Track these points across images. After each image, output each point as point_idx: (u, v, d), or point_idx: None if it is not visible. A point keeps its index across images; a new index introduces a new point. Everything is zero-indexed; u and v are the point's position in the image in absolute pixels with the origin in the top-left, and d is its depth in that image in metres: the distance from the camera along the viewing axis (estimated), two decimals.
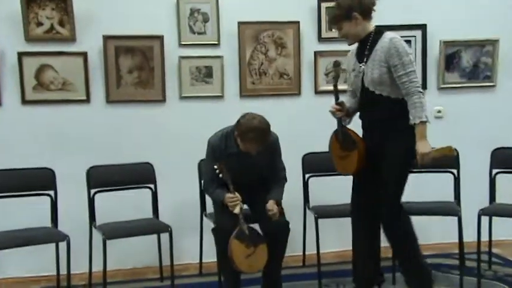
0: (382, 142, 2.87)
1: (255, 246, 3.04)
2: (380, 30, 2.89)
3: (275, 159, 3.28)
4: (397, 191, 2.90)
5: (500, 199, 3.55)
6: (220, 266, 3.20)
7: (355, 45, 2.99)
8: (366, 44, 2.88)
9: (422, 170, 3.61)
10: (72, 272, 3.14)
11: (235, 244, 3.00)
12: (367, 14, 2.86)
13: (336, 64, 3.00)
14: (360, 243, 3.09)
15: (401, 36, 4.03)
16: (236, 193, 3.07)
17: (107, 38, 3.75)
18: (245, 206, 3.22)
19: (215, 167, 3.09)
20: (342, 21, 2.87)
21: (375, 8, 2.89)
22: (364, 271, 3.12)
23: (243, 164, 3.12)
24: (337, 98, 2.97)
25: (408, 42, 4.07)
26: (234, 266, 2.99)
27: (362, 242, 3.08)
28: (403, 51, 2.76)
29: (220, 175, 3.08)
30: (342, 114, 2.98)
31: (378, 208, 2.91)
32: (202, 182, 3.50)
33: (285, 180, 3.31)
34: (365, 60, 2.87)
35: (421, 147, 2.76)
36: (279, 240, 3.12)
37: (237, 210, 3.04)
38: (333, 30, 3.12)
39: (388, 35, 2.84)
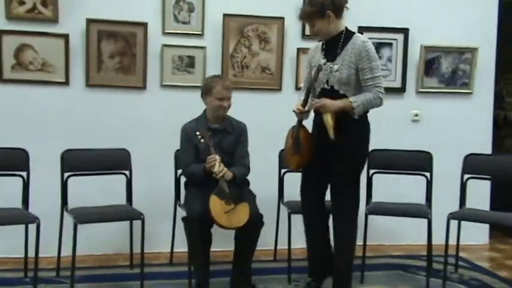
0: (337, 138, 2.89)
1: (235, 204, 3.06)
2: (350, 30, 2.96)
3: (242, 144, 3.35)
4: (356, 181, 3.00)
5: (470, 204, 3.62)
6: (190, 255, 3.20)
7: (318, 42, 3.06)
8: (337, 43, 2.92)
9: (395, 171, 3.71)
10: (40, 256, 3.10)
11: (214, 200, 3.04)
12: (339, 12, 2.91)
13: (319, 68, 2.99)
14: (316, 239, 3.16)
15: (383, 39, 4.18)
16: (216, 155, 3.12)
17: (90, 22, 3.72)
18: None
19: (197, 133, 3.15)
20: (315, 18, 2.90)
21: (347, 6, 2.93)
22: (321, 265, 3.18)
23: (213, 139, 3.19)
24: (306, 99, 2.99)
25: (390, 45, 4.15)
26: (213, 220, 3.00)
27: (318, 238, 3.16)
28: (373, 56, 2.85)
29: (202, 140, 3.13)
30: (304, 115, 3.01)
31: (334, 201, 3.01)
32: (178, 171, 3.52)
33: (248, 169, 3.36)
34: (334, 58, 2.92)
35: (330, 103, 2.85)
36: (251, 232, 3.14)
37: (215, 169, 3.08)
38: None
39: (359, 37, 2.92)
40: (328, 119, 2.86)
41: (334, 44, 2.93)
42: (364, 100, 2.86)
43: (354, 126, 2.92)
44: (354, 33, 2.97)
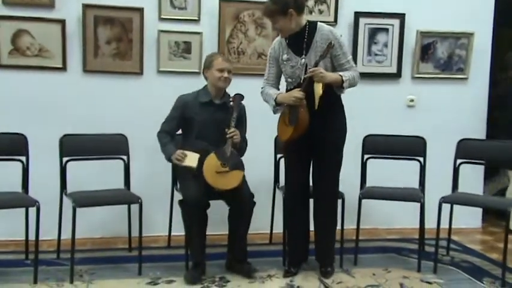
0: (321, 124, 3.05)
1: (230, 169, 3.15)
2: (312, 21, 3.07)
3: (243, 123, 3.42)
4: (339, 164, 3.22)
5: (463, 189, 3.67)
6: (187, 238, 3.27)
7: (279, 38, 3.15)
8: (302, 37, 3.02)
9: (390, 156, 3.76)
10: (41, 239, 3.15)
11: (212, 157, 3.15)
12: (301, 10, 3.01)
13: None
14: (297, 224, 3.30)
15: (379, 24, 4.20)
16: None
17: (86, 7, 3.73)
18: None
19: (230, 98, 3.25)
20: (277, 16, 2.97)
21: (307, 3, 3.02)
22: (299, 251, 3.35)
23: (213, 115, 3.28)
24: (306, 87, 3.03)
25: (386, 30, 4.17)
26: (203, 173, 3.11)
27: (298, 223, 3.30)
28: (342, 42, 3.04)
29: (231, 103, 3.23)
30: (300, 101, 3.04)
31: (319, 182, 3.17)
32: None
33: (247, 145, 3.44)
34: (304, 52, 3.01)
35: (325, 73, 2.96)
36: (244, 211, 3.23)
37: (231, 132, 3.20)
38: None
39: (324, 26, 3.05)
40: (319, 89, 2.96)
41: (299, 39, 3.04)
42: (350, 76, 3.02)
43: (336, 111, 3.15)
44: (316, 23, 3.07)
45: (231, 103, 3.28)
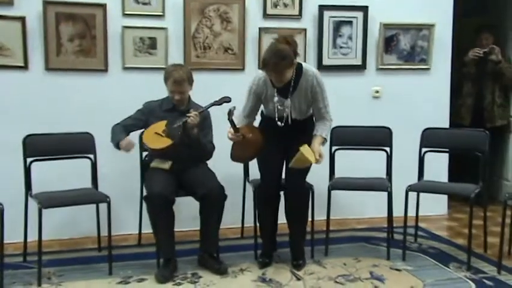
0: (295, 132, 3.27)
1: (165, 135, 3.25)
2: (299, 64, 3.19)
3: (208, 130, 3.47)
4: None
5: (429, 177, 3.76)
6: (154, 234, 3.25)
7: (263, 75, 3.23)
8: (289, 83, 3.16)
9: (357, 147, 3.81)
10: (6, 241, 3.07)
11: (162, 122, 3.28)
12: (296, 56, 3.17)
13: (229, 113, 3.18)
14: (269, 219, 3.38)
15: (343, 17, 4.25)
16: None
17: (46, 4, 3.66)
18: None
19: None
20: (287, 69, 3.09)
21: None
22: (271, 244, 3.44)
23: (176, 120, 3.28)
24: (235, 129, 3.20)
25: (350, 23, 4.22)
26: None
27: (271, 218, 3.38)
28: (323, 87, 3.24)
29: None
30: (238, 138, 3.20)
31: (291, 176, 3.27)
32: (144, 153, 3.57)
33: (214, 147, 3.49)
34: (290, 94, 3.18)
35: (318, 149, 3.21)
36: (214, 203, 3.24)
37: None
38: (267, 73, 3.19)
39: (309, 70, 3.21)
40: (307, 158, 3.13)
41: (286, 84, 3.16)
42: (327, 129, 3.31)
43: (309, 121, 3.35)
44: (301, 65, 3.21)
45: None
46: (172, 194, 3.17)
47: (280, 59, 3.02)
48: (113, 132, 3.34)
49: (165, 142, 3.24)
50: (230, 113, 3.15)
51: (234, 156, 3.33)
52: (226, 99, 3.36)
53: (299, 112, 3.27)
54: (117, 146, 3.28)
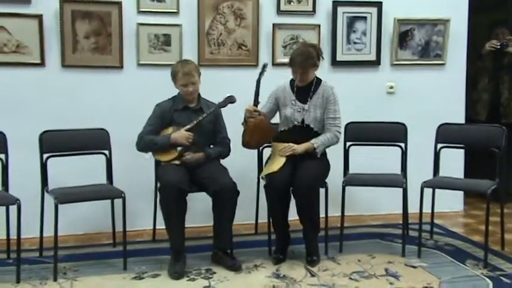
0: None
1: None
2: (318, 78, 3.45)
3: (221, 126, 3.53)
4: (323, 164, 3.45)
5: (445, 173, 3.72)
6: (166, 225, 3.24)
7: (286, 82, 3.49)
8: (310, 88, 3.40)
9: (371, 143, 3.80)
10: (23, 237, 3.12)
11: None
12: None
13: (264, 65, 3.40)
14: (279, 215, 3.38)
15: (357, 13, 4.24)
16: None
17: (63, 2, 3.69)
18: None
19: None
20: (312, 68, 3.36)
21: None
22: (283, 240, 3.43)
23: (190, 119, 3.35)
24: (256, 100, 3.32)
25: (364, 19, 4.20)
26: None
27: (281, 214, 3.38)
28: (337, 100, 3.42)
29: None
30: (255, 119, 3.30)
31: (302, 173, 3.27)
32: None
33: (229, 149, 3.55)
34: (308, 100, 3.37)
35: (298, 149, 3.33)
36: (227, 199, 3.23)
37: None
38: (292, 69, 3.40)
39: (328, 83, 3.44)
40: (281, 162, 3.31)
41: (307, 88, 3.40)
42: (323, 140, 3.35)
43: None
44: (320, 79, 3.46)
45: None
46: (185, 185, 3.19)
47: (307, 57, 3.31)
48: (146, 142, 3.38)
49: (172, 154, 3.35)
50: (263, 69, 3.33)
51: (245, 142, 3.40)
52: (232, 100, 3.40)
53: (314, 119, 3.38)
54: (165, 143, 3.34)
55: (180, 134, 3.32)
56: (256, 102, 3.30)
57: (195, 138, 3.35)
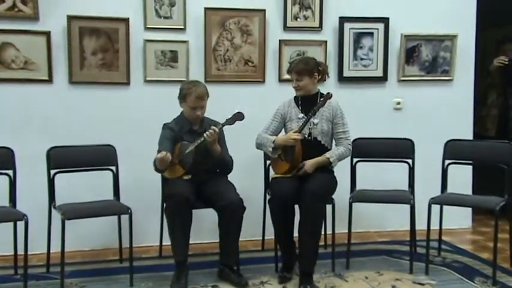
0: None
1: (177, 162, 3.34)
2: (322, 93, 3.46)
3: (222, 143, 3.48)
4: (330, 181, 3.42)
5: (453, 189, 3.69)
6: (170, 236, 3.21)
7: (290, 98, 3.51)
8: (315, 101, 3.38)
9: (378, 159, 3.78)
10: (30, 252, 3.13)
11: (177, 147, 3.36)
12: (322, 77, 3.49)
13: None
14: (283, 232, 3.33)
15: (364, 29, 4.26)
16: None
17: (71, 18, 3.73)
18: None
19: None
20: (305, 75, 3.38)
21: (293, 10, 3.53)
22: (289, 257, 3.39)
23: (190, 143, 3.32)
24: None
25: (371, 34, 4.20)
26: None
27: (285, 231, 3.33)
28: (344, 114, 3.46)
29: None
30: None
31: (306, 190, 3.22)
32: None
33: (232, 162, 3.51)
34: (315, 113, 3.37)
35: (308, 164, 3.33)
36: (234, 215, 3.22)
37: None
38: (290, 76, 3.48)
39: (333, 99, 3.40)
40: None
41: (311, 102, 3.38)
42: (338, 154, 3.38)
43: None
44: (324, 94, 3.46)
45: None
46: (192, 196, 3.18)
47: (303, 64, 3.40)
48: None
49: (178, 172, 3.34)
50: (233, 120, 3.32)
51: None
52: (239, 118, 3.34)
53: (321, 131, 3.39)
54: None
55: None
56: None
57: (199, 158, 3.32)
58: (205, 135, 3.24)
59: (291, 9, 4.06)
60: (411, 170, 3.71)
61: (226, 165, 3.48)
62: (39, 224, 3.30)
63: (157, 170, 3.35)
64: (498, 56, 4.52)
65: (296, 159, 3.32)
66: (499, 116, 4.64)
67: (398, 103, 4.32)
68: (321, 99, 3.36)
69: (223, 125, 3.34)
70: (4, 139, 3.46)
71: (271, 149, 3.38)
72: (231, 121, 3.33)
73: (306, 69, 3.37)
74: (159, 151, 3.30)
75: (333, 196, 3.41)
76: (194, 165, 3.31)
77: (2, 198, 3.29)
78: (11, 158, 3.33)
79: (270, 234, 3.66)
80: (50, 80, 3.76)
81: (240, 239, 3.33)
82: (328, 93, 3.37)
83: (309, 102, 3.41)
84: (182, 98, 3.38)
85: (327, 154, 3.35)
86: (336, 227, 3.50)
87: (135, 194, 3.77)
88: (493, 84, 4.61)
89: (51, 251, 3.40)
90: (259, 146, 3.49)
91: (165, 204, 3.28)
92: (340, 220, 3.49)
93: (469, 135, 4.35)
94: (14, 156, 3.34)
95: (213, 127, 3.26)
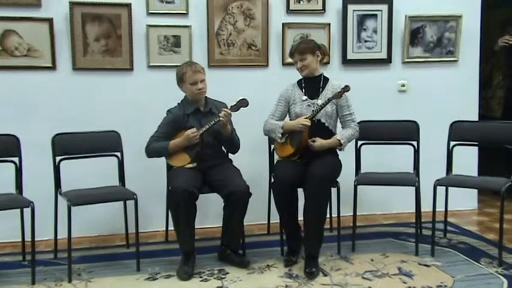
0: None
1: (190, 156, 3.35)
2: (325, 77, 3.47)
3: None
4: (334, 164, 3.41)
5: (458, 171, 3.69)
6: (175, 227, 3.24)
7: (293, 82, 3.49)
8: (318, 84, 3.41)
9: (383, 142, 3.77)
10: (37, 239, 3.14)
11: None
12: (323, 57, 3.47)
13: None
14: (286, 215, 3.32)
15: (368, 11, 4.22)
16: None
17: (73, 5, 3.71)
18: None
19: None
20: (308, 53, 3.37)
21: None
22: (294, 241, 3.40)
23: (201, 122, 3.34)
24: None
25: (374, 16, 4.17)
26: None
27: (288, 214, 3.32)
28: (348, 97, 3.41)
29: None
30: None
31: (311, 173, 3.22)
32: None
33: (239, 143, 3.52)
34: (318, 96, 3.38)
35: (319, 143, 3.31)
36: (240, 202, 3.23)
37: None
38: (293, 59, 3.46)
39: (335, 81, 3.44)
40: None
41: (315, 84, 3.41)
42: (348, 136, 3.37)
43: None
44: (328, 78, 3.47)
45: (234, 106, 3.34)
46: (195, 189, 3.17)
47: (305, 43, 3.41)
48: (156, 148, 3.40)
49: (184, 160, 3.35)
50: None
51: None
52: (244, 104, 3.33)
53: (325, 114, 3.36)
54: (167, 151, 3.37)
55: (188, 137, 3.30)
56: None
57: (208, 140, 3.34)
58: (221, 115, 3.25)
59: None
60: (416, 152, 3.70)
61: (236, 144, 3.50)
62: (46, 211, 3.33)
63: (149, 157, 3.39)
64: (503, 36, 4.47)
65: (302, 145, 3.31)
66: (505, 97, 4.61)
67: (403, 85, 4.29)
68: (338, 90, 3.30)
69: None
70: (9, 127, 3.46)
71: (280, 135, 3.38)
72: (235, 108, 3.32)
73: (308, 47, 3.37)
74: (153, 136, 3.39)
75: (338, 179, 3.41)
76: (201, 150, 3.31)
77: (8, 186, 3.31)
78: (16, 146, 3.33)
79: (276, 218, 3.66)
80: (53, 67, 3.76)
81: (246, 223, 3.35)
82: (347, 85, 3.31)
83: (312, 85, 3.41)
84: (180, 79, 3.38)
85: (338, 136, 3.34)
86: (341, 210, 3.50)
87: (141, 179, 3.78)
88: (499, 65, 4.56)
89: (58, 237, 3.43)
90: (267, 132, 3.48)
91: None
92: (345, 203, 3.49)
93: (474, 116, 4.33)
94: (20, 143, 3.35)
95: (224, 109, 3.27)
